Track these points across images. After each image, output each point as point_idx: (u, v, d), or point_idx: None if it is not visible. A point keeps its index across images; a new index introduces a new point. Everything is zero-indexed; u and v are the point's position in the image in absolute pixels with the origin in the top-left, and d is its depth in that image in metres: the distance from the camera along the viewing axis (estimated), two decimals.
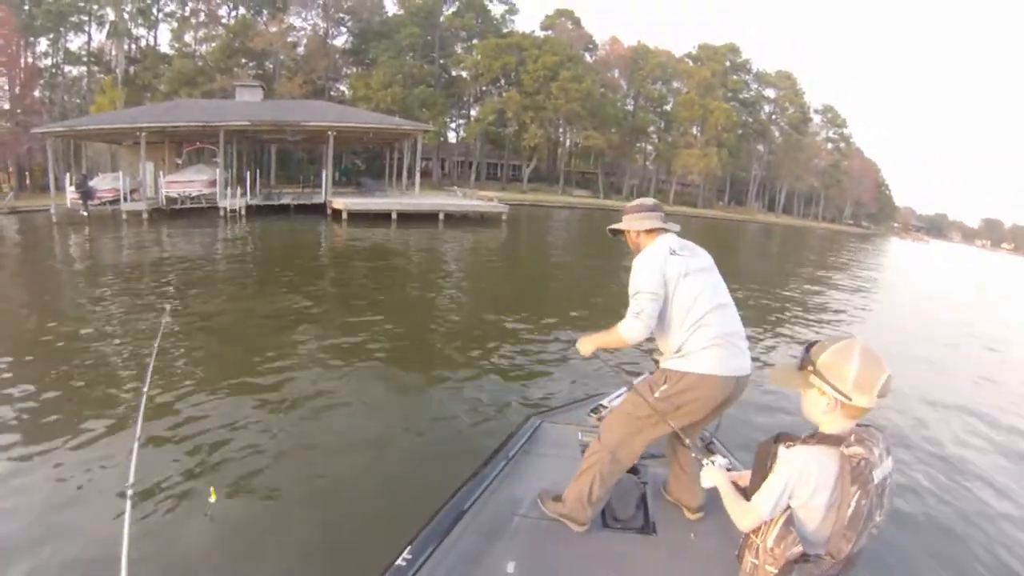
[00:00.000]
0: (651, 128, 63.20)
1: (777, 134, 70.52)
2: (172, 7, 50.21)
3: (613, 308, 3.00)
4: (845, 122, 77.69)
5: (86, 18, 46.75)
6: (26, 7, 42.69)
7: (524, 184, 55.17)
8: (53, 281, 12.67)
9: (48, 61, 46.19)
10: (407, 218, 25.14)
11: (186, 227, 21.15)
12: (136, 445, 2.58)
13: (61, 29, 45.58)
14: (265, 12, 50.67)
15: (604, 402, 3.73)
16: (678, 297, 2.48)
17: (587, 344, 2.70)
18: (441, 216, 26.26)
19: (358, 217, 24.55)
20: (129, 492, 2.29)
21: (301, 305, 10.07)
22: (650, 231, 2.70)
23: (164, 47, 50.33)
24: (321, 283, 13.01)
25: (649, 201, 2.80)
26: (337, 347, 7.62)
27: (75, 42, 47.31)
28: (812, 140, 73.08)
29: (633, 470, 3.03)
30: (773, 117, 71.45)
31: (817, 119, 76.11)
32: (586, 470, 2.65)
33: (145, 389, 3.09)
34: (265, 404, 5.60)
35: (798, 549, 1.56)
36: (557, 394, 6.09)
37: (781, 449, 1.64)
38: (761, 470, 1.71)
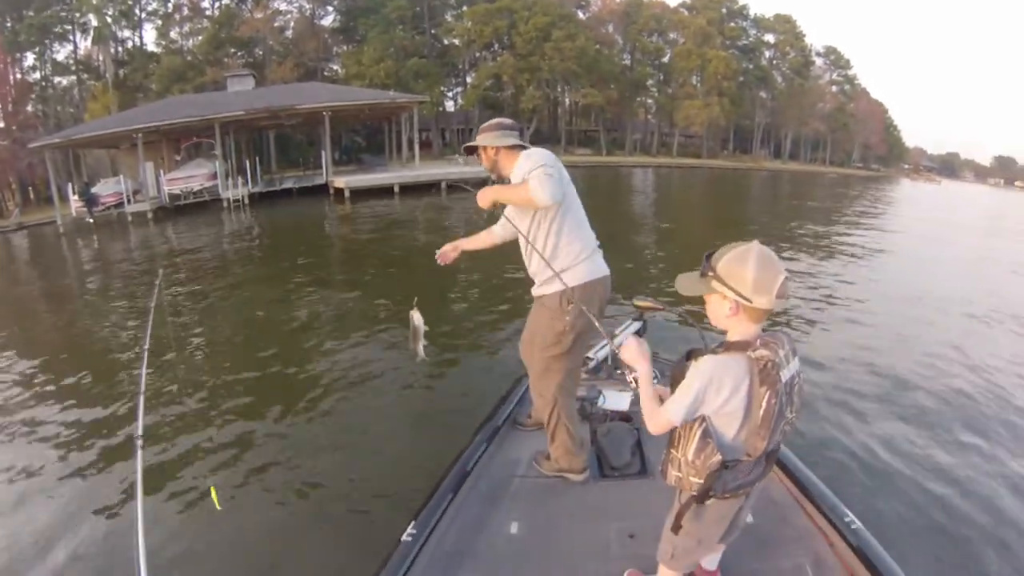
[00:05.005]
0: (650, 81, 61.92)
1: (779, 80, 68.14)
2: (154, 5, 49.53)
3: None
4: (849, 63, 75.18)
5: (70, 27, 46.43)
6: (8, 24, 42.43)
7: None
8: (66, 288, 12.92)
9: (37, 75, 46.09)
10: (409, 190, 25.01)
11: (191, 222, 21.16)
12: (142, 399, 2.69)
13: (46, 41, 45.33)
14: None
15: (590, 354, 3.79)
16: (572, 200, 2.52)
17: (488, 195, 2.54)
18: (443, 185, 25.70)
19: (360, 193, 24.44)
20: (139, 441, 2.39)
21: (301, 280, 10.45)
22: (511, 148, 2.62)
23: (151, 46, 49.76)
24: (323, 257, 13.18)
25: (507, 120, 2.71)
26: (336, 315, 8.15)
27: (61, 52, 47.08)
28: (815, 84, 70.77)
29: (625, 417, 3.14)
30: (774, 63, 69.02)
31: (820, 62, 73.60)
32: (555, 425, 2.67)
33: (146, 347, 3.14)
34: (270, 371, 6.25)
35: (717, 458, 1.60)
36: None
37: (692, 362, 1.65)
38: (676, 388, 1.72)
